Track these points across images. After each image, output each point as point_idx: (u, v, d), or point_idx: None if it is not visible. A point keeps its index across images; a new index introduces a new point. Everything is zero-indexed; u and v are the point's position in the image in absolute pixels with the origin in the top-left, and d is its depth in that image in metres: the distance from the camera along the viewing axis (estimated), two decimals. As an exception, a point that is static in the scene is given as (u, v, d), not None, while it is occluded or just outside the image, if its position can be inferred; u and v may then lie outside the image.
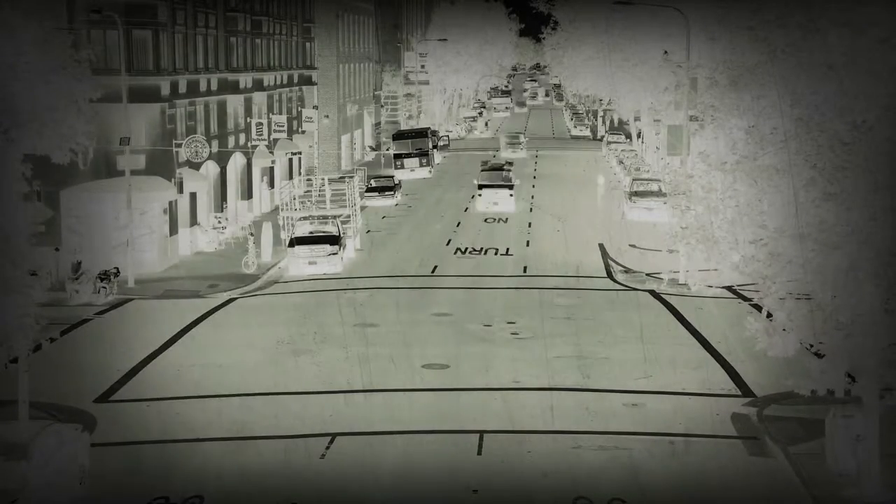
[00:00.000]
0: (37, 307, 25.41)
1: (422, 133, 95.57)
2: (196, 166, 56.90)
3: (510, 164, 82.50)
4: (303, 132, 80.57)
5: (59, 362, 35.89)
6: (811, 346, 25.03)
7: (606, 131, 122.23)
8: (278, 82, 75.57)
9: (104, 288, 45.87)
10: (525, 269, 53.01)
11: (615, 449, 28.30)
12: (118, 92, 48.86)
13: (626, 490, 25.78)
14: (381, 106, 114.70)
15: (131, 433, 29.94)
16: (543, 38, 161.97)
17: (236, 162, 66.14)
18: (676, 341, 38.95)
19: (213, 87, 61.81)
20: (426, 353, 37.55)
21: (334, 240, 53.03)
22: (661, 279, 48.78)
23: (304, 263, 52.06)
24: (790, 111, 23.99)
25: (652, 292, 47.04)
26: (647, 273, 50.70)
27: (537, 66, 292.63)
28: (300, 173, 77.07)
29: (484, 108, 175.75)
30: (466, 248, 58.03)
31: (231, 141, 64.89)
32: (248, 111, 68.02)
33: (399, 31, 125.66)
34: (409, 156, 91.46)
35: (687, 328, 40.79)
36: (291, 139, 76.15)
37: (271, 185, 72.34)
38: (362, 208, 66.58)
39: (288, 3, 78.66)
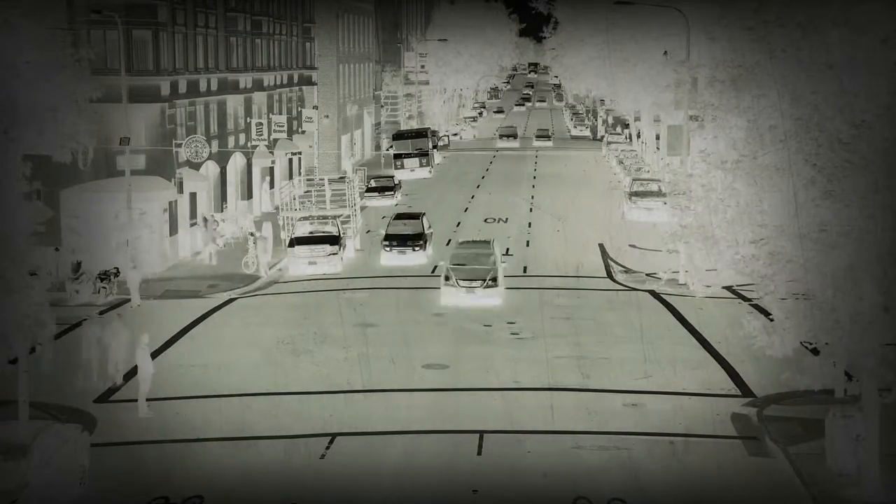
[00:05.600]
0: (37, 307, 25.41)
1: (422, 133, 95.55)
2: (196, 166, 56.89)
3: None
4: (303, 132, 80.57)
5: (60, 362, 35.87)
6: (810, 344, 25.03)
7: (606, 131, 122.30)
8: (278, 82, 75.57)
9: (104, 288, 45.85)
10: (525, 269, 53.00)
11: (615, 449, 28.30)
12: (118, 92, 48.87)
13: (626, 490, 25.78)
14: (381, 106, 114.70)
15: (131, 433, 29.95)
16: (544, 39, 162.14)
17: (236, 162, 66.14)
18: (676, 341, 38.95)
19: (213, 87, 61.81)
20: (426, 353, 37.55)
21: (334, 240, 53.03)
22: (660, 279, 48.78)
23: (304, 263, 52.05)
24: (790, 111, 23.99)
25: (652, 292, 47.04)
26: (648, 273, 50.71)
27: (535, 66, 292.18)
28: (300, 173, 77.09)
29: (484, 107, 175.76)
30: (466, 249, 57.89)
31: (231, 141, 64.89)
32: (248, 111, 68.03)
33: (399, 31, 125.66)
34: (409, 156, 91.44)
35: (687, 328, 40.78)
36: (291, 139, 76.15)
37: (272, 185, 72.35)
38: (362, 208, 66.56)
39: (288, 3, 78.66)
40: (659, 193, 65.86)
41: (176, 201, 54.60)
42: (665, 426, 29.96)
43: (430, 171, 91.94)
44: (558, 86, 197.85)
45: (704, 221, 27.43)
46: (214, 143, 60.89)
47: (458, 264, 45.66)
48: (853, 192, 23.14)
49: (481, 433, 29.41)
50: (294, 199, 57.95)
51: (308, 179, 65.59)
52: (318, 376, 35.12)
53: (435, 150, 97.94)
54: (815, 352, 25.14)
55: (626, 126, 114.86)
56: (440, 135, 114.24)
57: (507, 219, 68.06)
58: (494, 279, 44.91)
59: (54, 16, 26.60)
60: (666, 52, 66.58)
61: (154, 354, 37.59)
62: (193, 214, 58.17)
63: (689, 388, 33.36)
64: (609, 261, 54.46)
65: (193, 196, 58.16)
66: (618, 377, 34.57)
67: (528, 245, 59.37)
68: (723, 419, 30.64)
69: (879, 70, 22.90)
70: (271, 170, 72.40)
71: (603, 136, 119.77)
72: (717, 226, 26.85)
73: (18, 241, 24.92)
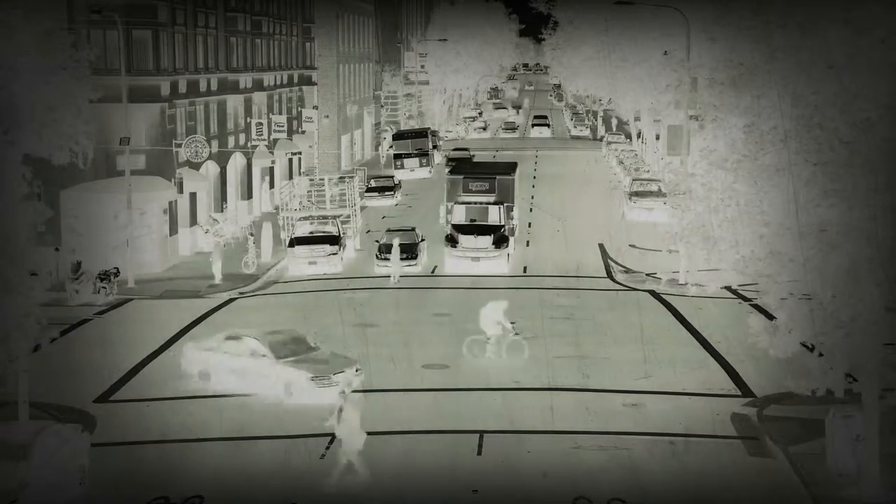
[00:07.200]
0: (37, 307, 25.41)
1: (422, 133, 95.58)
2: (196, 166, 56.90)
3: None
4: (303, 132, 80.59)
5: (59, 362, 35.90)
6: (811, 345, 25.03)
7: (606, 131, 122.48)
8: (278, 82, 75.58)
9: (104, 288, 45.87)
10: (525, 269, 52.98)
11: (615, 449, 28.30)
12: (118, 92, 48.87)
13: (626, 490, 25.78)
14: (381, 106, 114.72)
15: (131, 433, 29.94)
16: (543, 39, 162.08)
17: (236, 162, 66.15)
18: (676, 341, 38.95)
19: (213, 87, 61.82)
20: (426, 353, 37.53)
21: (334, 240, 53.04)
22: (661, 279, 48.81)
23: (304, 263, 52.08)
24: (790, 111, 24.00)
25: (652, 292, 47.05)
26: (647, 273, 50.72)
27: (526, 66, 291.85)
28: (300, 173, 77.12)
29: (481, 113, 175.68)
30: (466, 248, 57.83)
31: (231, 141, 64.90)
32: (248, 111, 68.04)
33: (399, 31, 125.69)
34: (409, 156, 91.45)
35: (687, 328, 40.79)
36: (291, 139, 76.17)
37: (272, 185, 72.38)
38: (362, 208, 66.58)
39: (288, 3, 78.69)
40: (659, 193, 65.91)
41: (176, 201, 54.60)
42: (665, 426, 29.96)
43: (430, 171, 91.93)
44: (558, 86, 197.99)
45: (705, 221, 27.42)
46: (214, 143, 60.90)
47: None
48: (854, 192, 23.14)
49: (481, 433, 29.40)
50: (293, 198, 57.99)
51: (308, 179, 65.62)
52: (318, 376, 35.05)
53: (435, 150, 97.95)
54: (813, 349, 25.14)
55: (621, 126, 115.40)
56: (440, 135, 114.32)
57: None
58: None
59: (54, 16, 26.53)
60: (666, 52, 66.62)
61: (154, 354, 37.70)
62: (194, 214, 58.19)
63: (689, 388, 33.35)
64: (609, 261, 54.47)
65: (193, 196, 58.17)
66: (618, 377, 34.56)
67: (528, 245, 59.37)
68: (723, 419, 30.63)
69: (880, 70, 22.91)
70: (271, 170, 72.42)
71: (603, 136, 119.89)
72: (717, 226, 26.83)
73: (18, 241, 24.91)
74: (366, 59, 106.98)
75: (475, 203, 53.57)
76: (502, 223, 52.89)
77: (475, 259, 51.60)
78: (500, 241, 52.04)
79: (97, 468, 26.18)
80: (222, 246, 52.41)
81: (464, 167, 62.40)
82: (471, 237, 51.74)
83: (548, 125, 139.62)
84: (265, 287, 50.10)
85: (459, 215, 52.95)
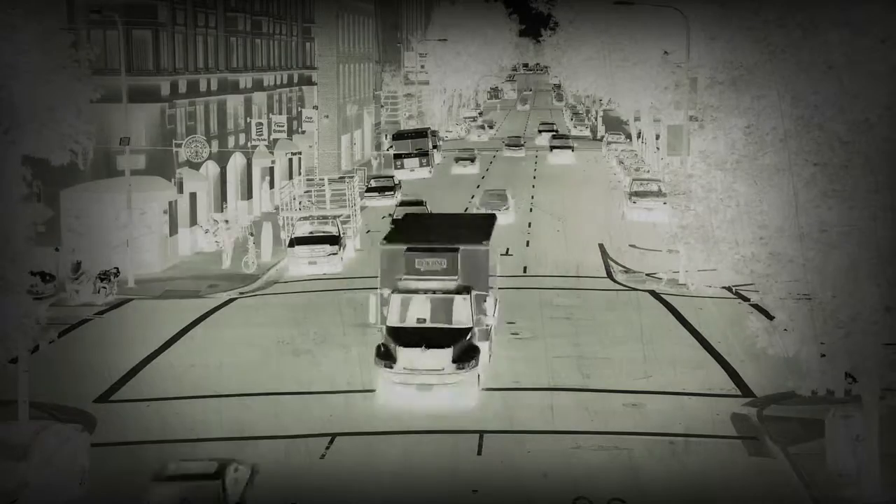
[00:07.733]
0: (37, 307, 25.42)
1: (422, 133, 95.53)
2: (196, 166, 56.89)
3: None
4: (303, 132, 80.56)
5: (59, 362, 35.90)
6: (811, 346, 25.03)
7: (606, 131, 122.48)
8: (278, 82, 75.57)
9: (104, 288, 45.86)
10: (525, 269, 52.99)
11: (615, 449, 28.30)
12: (118, 92, 48.85)
13: (626, 490, 25.79)
14: (381, 106, 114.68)
15: (131, 433, 29.94)
16: (543, 39, 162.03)
17: (236, 162, 66.14)
18: (676, 341, 38.95)
19: (213, 87, 61.82)
20: (426, 353, 37.43)
21: (334, 240, 53.04)
22: (661, 279, 48.81)
23: (304, 263, 52.09)
24: (790, 111, 24.00)
25: (652, 292, 47.04)
26: (647, 273, 50.72)
27: (526, 66, 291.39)
28: (300, 173, 77.10)
29: (481, 113, 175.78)
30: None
31: (231, 141, 64.89)
32: (248, 111, 68.03)
33: (399, 31, 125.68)
34: (409, 156, 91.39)
35: (687, 328, 40.79)
36: (291, 139, 76.14)
37: (272, 185, 72.36)
38: (362, 208, 66.57)
39: (288, 3, 78.68)
40: (659, 193, 65.86)
41: (176, 201, 54.59)
42: (665, 426, 29.96)
43: (430, 171, 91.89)
44: (558, 86, 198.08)
45: (705, 222, 27.43)
46: (214, 143, 60.89)
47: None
48: (854, 192, 23.15)
49: (481, 433, 29.41)
50: (294, 198, 58.00)
51: (308, 179, 65.60)
52: (318, 376, 35.11)
53: (435, 150, 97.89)
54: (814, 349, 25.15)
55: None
56: (440, 135, 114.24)
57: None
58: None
59: (54, 16, 26.50)
60: (666, 52, 66.62)
61: (154, 354, 37.72)
62: (194, 214, 58.17)
63: (689, 388, 33.35)
64: (609, 261, 54.47)
65: (193, 196, 58.16)
66: (618, 377, 34.56)
67: (528, 245, 59.37)
68: (723, 419, 30.64)
69: (880, 70, 22.92)
70: (271, 170, 72.40)
71: (603, 136, 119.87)
72: (717, 226, 26.84)
73: (18, 241, 24.92)
74: (366, 59, 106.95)
75: (425, 291, 33.39)
76: (469, 325, 32.84)
77: (423, 386, 31.63)
78: (465, 355, 32.00)
79: (97, 468, 26.19)
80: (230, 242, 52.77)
81: (410, 229, 38.87)
82: (416, 351, 31.59)
83: (571, 147, 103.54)
84: (265, 287, 50.10)
85: (399, 312, 33.10)
